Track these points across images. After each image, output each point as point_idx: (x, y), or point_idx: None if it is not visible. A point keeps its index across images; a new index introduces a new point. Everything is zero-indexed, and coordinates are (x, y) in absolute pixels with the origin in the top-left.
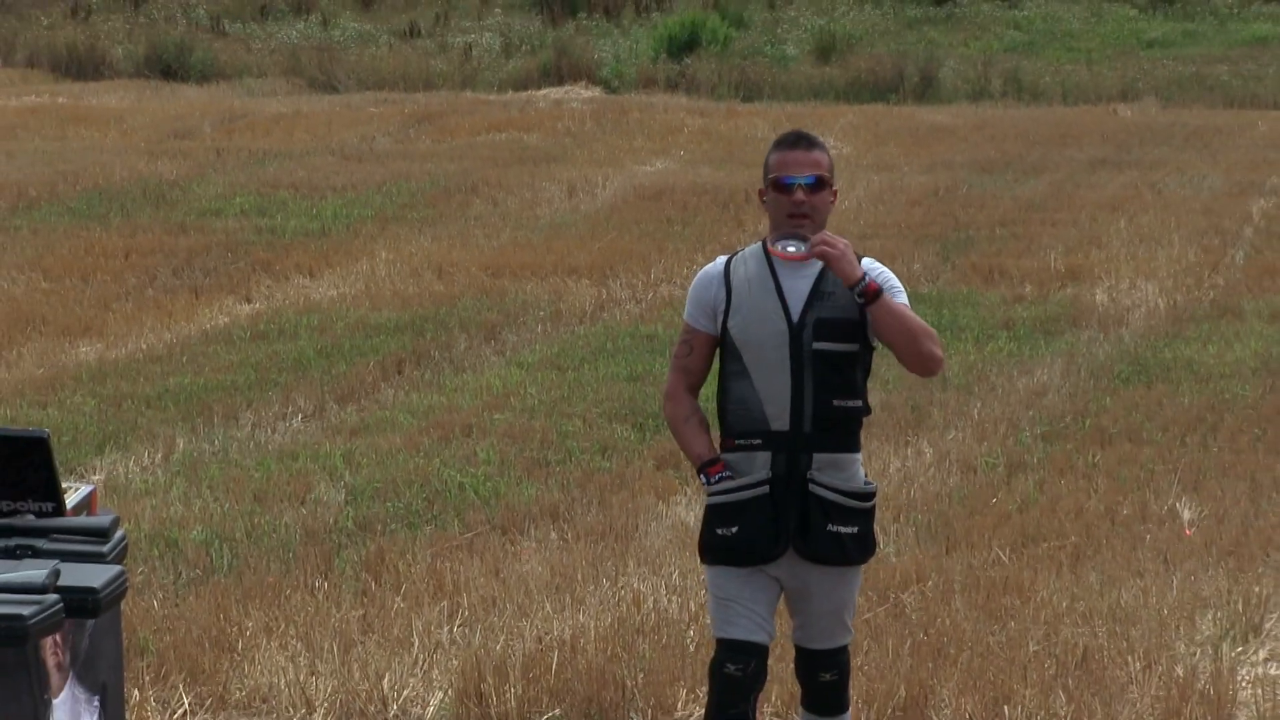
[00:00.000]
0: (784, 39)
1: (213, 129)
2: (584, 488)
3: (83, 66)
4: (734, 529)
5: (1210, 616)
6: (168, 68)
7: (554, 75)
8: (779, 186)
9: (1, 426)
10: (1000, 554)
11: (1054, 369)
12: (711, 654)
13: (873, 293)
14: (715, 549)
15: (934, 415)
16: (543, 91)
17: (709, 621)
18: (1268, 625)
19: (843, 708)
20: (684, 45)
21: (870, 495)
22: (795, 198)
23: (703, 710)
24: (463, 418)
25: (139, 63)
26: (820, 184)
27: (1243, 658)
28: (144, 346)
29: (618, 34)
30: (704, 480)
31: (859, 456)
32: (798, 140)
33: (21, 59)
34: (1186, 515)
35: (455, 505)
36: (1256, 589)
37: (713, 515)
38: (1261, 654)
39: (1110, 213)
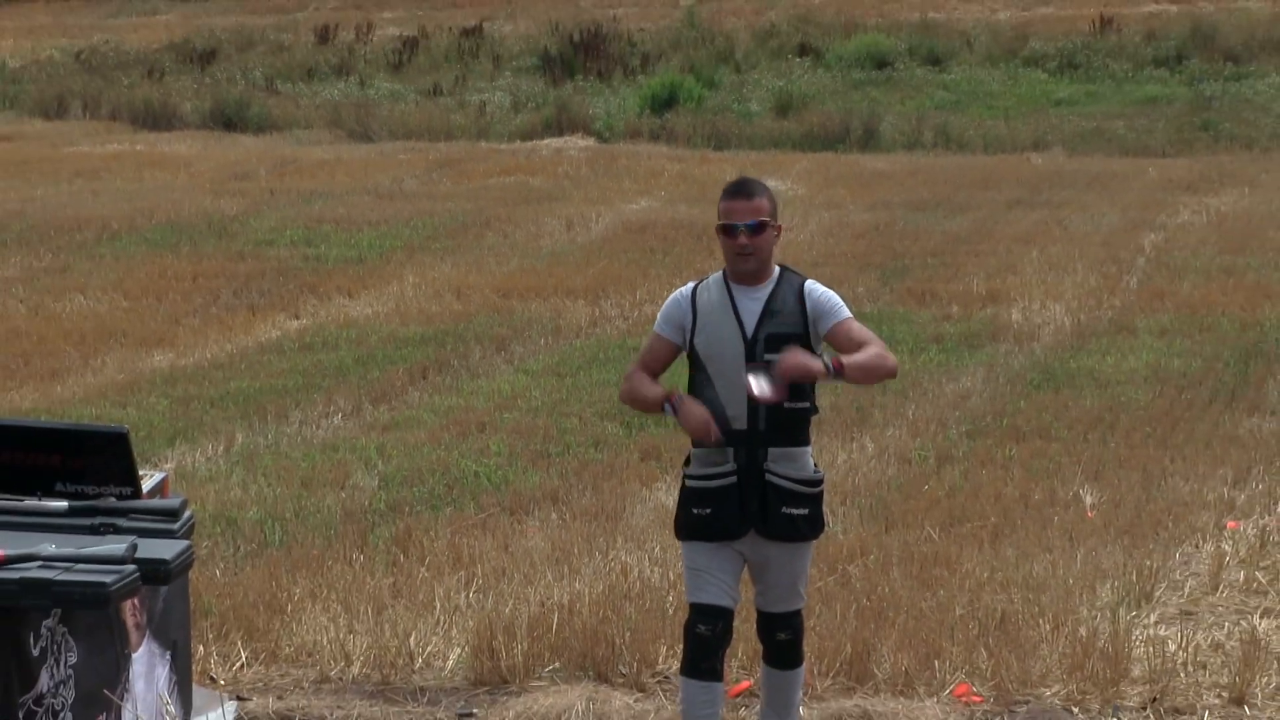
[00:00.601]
0: (748, 97)
1: (267, 172)
2: (580, 476)
3: (157, 119)
4: (707, 510)
5: (1109, 585)
6: (229, 120)
7: (555, 128)
8: (725, 231)
9: (88, 423)
10: (931, 532)
11: (976, 377)
12: (686, 617)
13: (839, 369)
14: (690, 526)
15: (875, 415)
16: (545, 141)
17: (684, 589)
18: (1158, 593)
19: (797, 662)
20: (664, 103)
21: (819, 482)
22: (739, 241)
23: (679, 664)
24: (477, 416)
25: (205, 116)
26: (761, 226)
27: (1136, 621)
28: (209, 356)
29: (609, 93)
30: (668, 408)
31: (809, 449)
32: (739, 190)
33: (105, 113)
34: (1088, 500)
35: (471, 490)
36: (1148, 562)
37: (690, 497)
38: (1153, 618)
39: (1024, 245)
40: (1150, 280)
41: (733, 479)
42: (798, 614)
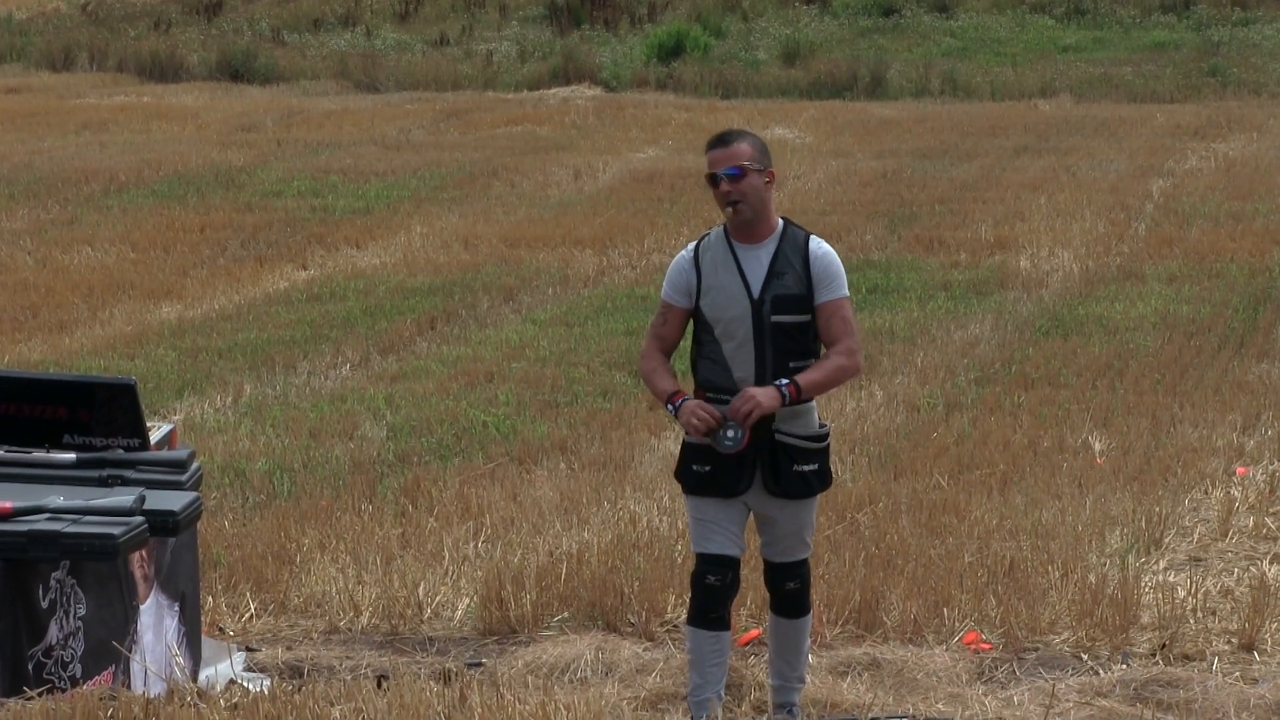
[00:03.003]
0: (755, 46)
1: (274, 124)
2: (588, 425)
3: (164, 71)
4: (707, 467)
5: (1118, 532)
6: (236, 72)
7: (562, 77)
8: (710, 180)
9: (96, 375)
10: (940, 480)
11: (985, 324)
12: (693, 567)
13: (794, 395)
14: (692, 482)
15: (884, 363)
16: (552, 91)
17: (689, 539)
18: (1166, 539)
19: (805, 610)
20: (671, 51)
21: (825, 436)
22: (722, 189)
23: (686, 613)
24: (485, 366)
25: (211, 67)
26: (743, 172)
27: (1145, 567)
28: (216, 307)
29: (615, 42)
30: (670, 409)
31: (814, 405)
32: (719, 140)
33: (112, 65)
34: (1097, 447)
35: (479, 440)
36: (1157, 509)
37: (690, 453)
38: (1161, 564)
39: (1032, 192)
40: (1158, 227)
41: None
42: (804, 563)
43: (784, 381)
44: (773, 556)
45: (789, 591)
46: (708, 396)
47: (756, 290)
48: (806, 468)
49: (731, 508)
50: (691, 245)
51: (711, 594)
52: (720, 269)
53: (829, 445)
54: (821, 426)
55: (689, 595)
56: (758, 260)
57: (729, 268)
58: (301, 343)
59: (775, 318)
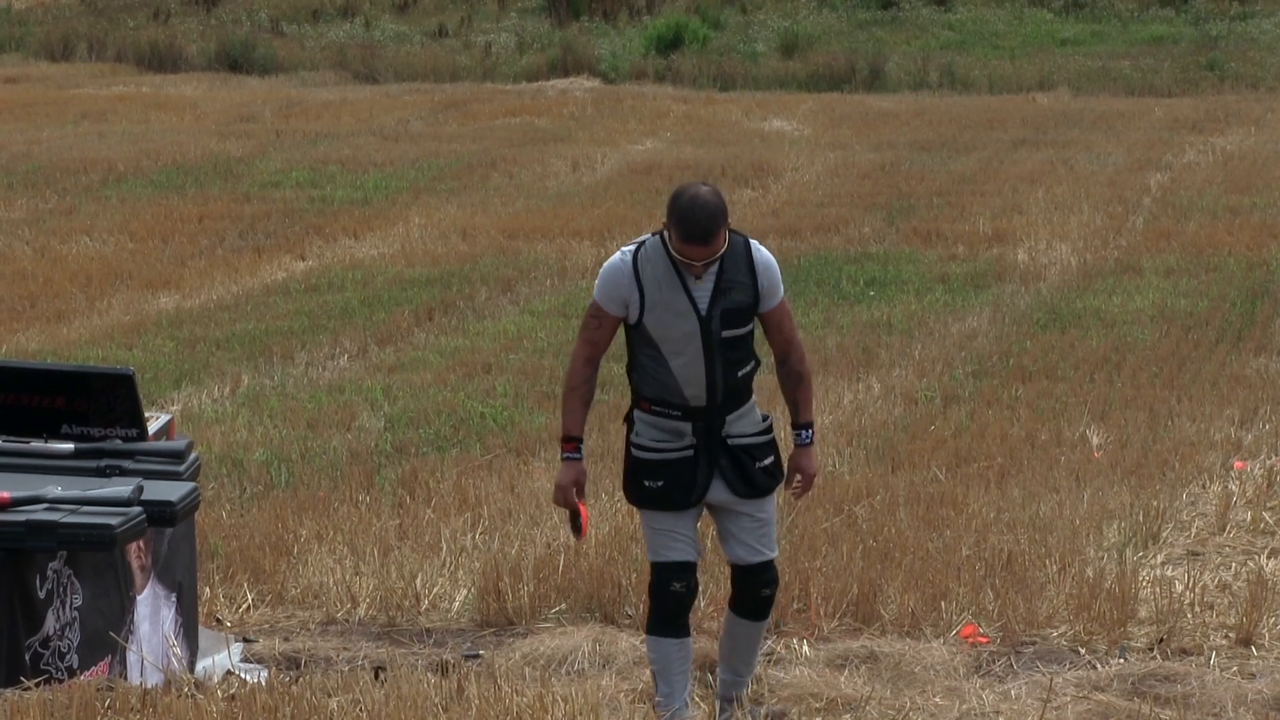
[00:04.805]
0: (754, 38)
1: (272, 114)
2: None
3: (163, 61)
4: (659, 482)
5: (1116, 526)
6: (235, 62)
7: (560, 69)
8: (683, 258)
9: (94, 365)
10: (937, 473)
11: (982, 317)
12: (650, 578)
13: (810, 436)
14: (643, 498)
15: (881, 355)
16: (551, 82)
17: (646, 549)
18: (1164, 534)
19: (769, 613)
20: (670, 43)
21: (770, 426)
22: (694, 268)
23: (647, 624)
24: (483, 357)
25: (210, 58)
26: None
27: (1143, 561)
28: (214, 297)
29: (614, 34)
30: (562, 454)
31: (754, 399)
32: (695, 234)
33: (111, 55)
34: (1095, 440)
35: (477, 431)
36: (1155, 503)
37: (639, 468)
38: (1159, 558)
39: (1030, 185)
40: (1156, 220)
41: (690, 452)
42: (774, 565)
43: (807, 436)
44: (746, 557)
45: (764, 597)
46: (654, 410)
47: (704, 307)
48: (766, 461)
49: (686, 514)
50: (628, 251)
51: (675, 601)
52: (664, 286)
53: (774, 435)
54: (764, 417)
55: (649, 605)
56: (705, 277)
57: (673, 284)
58: (299, 333)
59: (725, 333)
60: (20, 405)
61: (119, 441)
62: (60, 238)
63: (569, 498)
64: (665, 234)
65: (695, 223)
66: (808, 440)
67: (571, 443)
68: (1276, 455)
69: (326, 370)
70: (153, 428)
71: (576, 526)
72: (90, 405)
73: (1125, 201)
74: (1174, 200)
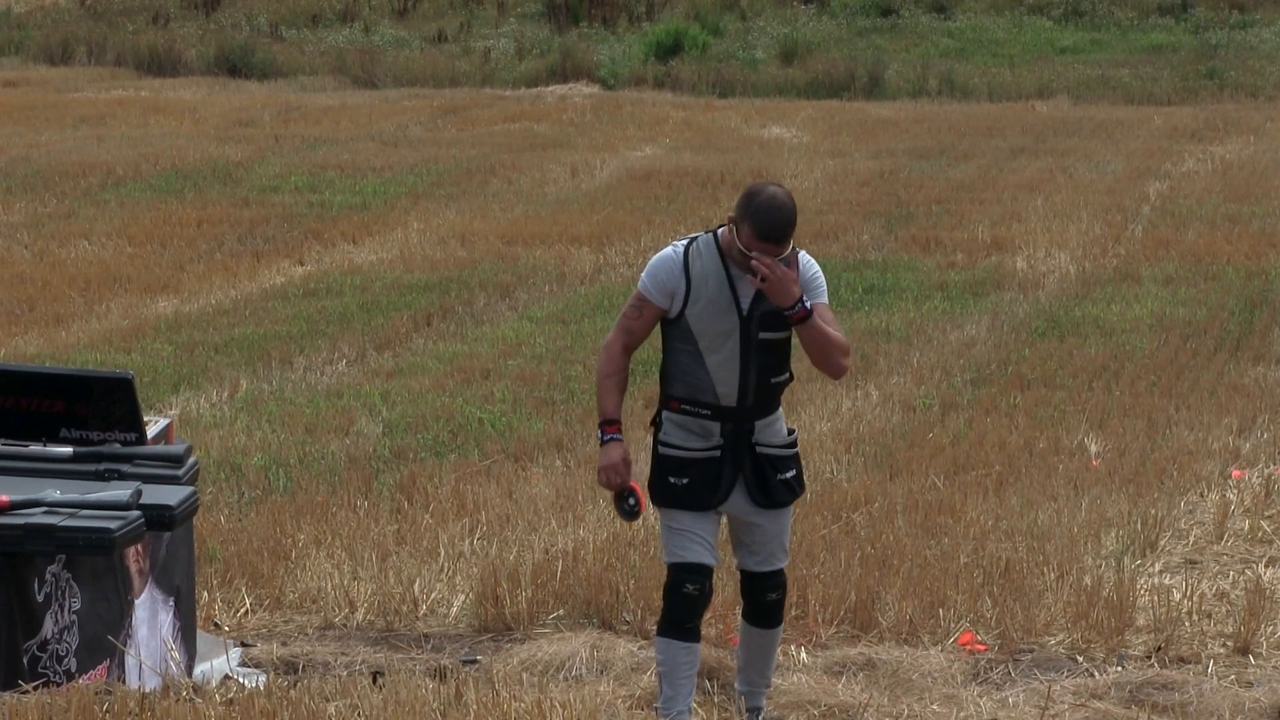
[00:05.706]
0: (753, 45)
1: (271, 119)
2: (584, 423)
3: (162, 65)
4: (685, 480)
5: (1113, 534)
6: (234, 67)
7: (560, 75)
8: (747, 251)
9: (93, 369)
10: (936, 480)
11: (981, 324)
12: (665, 579)
13: (800, 318)
14: (667, 496)
15: (880, 363)
16: (550, 88)
17: (662, 549)
18: (1162, 542)
19: (781, 620)
20: (669, 50)
21: (795, 441)
22: (763, 264)
23: (658, 625)
24: (482, 363)
25: (209, 62)
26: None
27: (1141, 569)
28: (213, 302)
29: (613, 40)
30: (601, 435)
31: (782, 414)
32: (772, 234)
33: (110, 59)
34: (1093, 448)
35: (475, 437)
36: (1153, 511)
37: (666, 465)
38: (1157, 566)
39: (1029, 193)
40: (1155, 228)
41: (716, 452)
42: (783, 573)
43: (809, 302)
44: (755, 566)
45: (770, 602)
46: (684, 410)
47: (746, 306)
48: (787, 474)
49: (706, 517)
50: (680, 245)
51: (688, 603)
52: (711, 281)
53: (798, 450)
54: (790, 433)
55: (662, 606)
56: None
57: (720, 281)
58: (298, 338)
59: (763, 335)
60: (19, 409)
61: (118, 445)
62: (59, 241)
63: (620, 476)
64: (730, 229)
65: (772, 223)
66: (806, 302)
67: (613, 425)
68: (1274, 464)
69: (325, 375)
70: (151, 432)
71: (626, 508)
72: (89, 409)
73: (1124, 210)
74: (1173, 209)
